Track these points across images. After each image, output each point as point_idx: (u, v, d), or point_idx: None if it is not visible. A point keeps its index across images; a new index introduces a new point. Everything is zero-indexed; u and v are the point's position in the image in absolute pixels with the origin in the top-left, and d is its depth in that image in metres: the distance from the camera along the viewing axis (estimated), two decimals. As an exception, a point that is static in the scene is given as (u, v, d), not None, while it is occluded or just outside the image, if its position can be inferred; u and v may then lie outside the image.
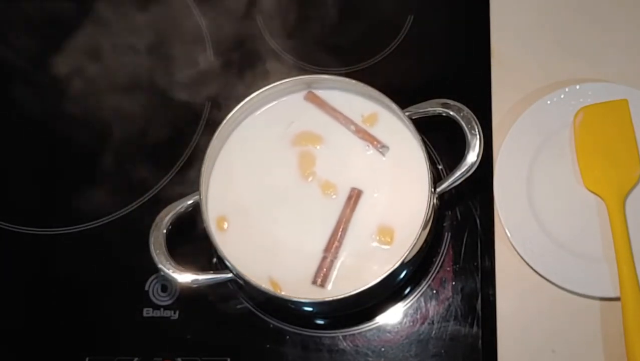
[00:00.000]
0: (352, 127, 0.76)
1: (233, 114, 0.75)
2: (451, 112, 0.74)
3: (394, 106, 0.74)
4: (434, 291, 0.77)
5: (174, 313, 0.78)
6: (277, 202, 0.75)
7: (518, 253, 0.77)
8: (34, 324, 0.79)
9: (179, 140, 0.84)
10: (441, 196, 0.75)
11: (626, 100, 0.79)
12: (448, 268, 0.78)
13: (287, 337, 0.77)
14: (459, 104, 0.74)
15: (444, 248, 0.79)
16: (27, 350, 0.79)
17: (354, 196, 0.74)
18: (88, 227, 0.82)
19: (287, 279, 0.72)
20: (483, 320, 0.76)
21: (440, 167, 0.81)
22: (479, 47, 0.86)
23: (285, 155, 0.76)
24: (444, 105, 0.75)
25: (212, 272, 0.74)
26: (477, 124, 0.73)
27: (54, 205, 0.84)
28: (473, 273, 0.78)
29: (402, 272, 0.74)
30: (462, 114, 0.74)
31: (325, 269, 0.72)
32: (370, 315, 0.77)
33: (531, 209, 0.78)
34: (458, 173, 0.73)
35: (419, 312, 0.77)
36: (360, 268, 0.72)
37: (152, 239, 0.72)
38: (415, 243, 0.70)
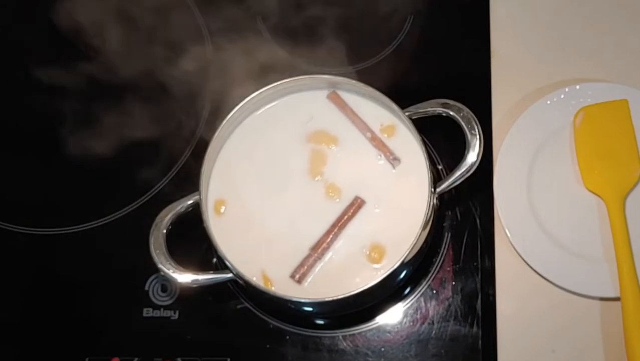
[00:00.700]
0: (369, 134, 0.76)
1: (233, 114, 0.75)
2: (451, 112, 0.74)
3: (394, 106, 0.74)
4: (434, 291, 0.77)
5: (174, 313, 0.78)
6: (278, 193, 0.75)
7: (518, 253, 0.77)
8: (33, 324, 0.79)
9: (179, 140, 0.84)
10: (441, 196, 0.75)
11: (626, 100, 0.79)
12: (448, 268, 0.78)
13: (287, 337, 0.77)
14: (459, 104, 0.74)
15: (444, 248, 0.79)
16: (27, 349, 0.79)
17: (356, 205, 0.74)
18: (88, 227, 0.82)
19: (278, 275, 0.72)
20: (483, 320, 0.76)
21: (440, 167, 0.81)
22: (479, 47, 0.86)
23: (299, 149, 0.76)
24: (444, 105, 0.74)
25: (212, 272, 0.73)
26: (477, 124, 0.73)
27: (54, 205, 0.84)
28: (473, 273, 0.78)
29: (402, 272, 0.74)
30: (462, 114, 0.74)
31: (306, 267, 0.72)
32: (370, 315, 0.77)
33: (531, 209, 0.78)
34: (458, 173, 0.73)
35: (419, 312, 0.77)
36: (342, 276, 0.72)
37: (152, 239, 0.72)
38: (415, 243, 0.70)
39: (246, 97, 0.76)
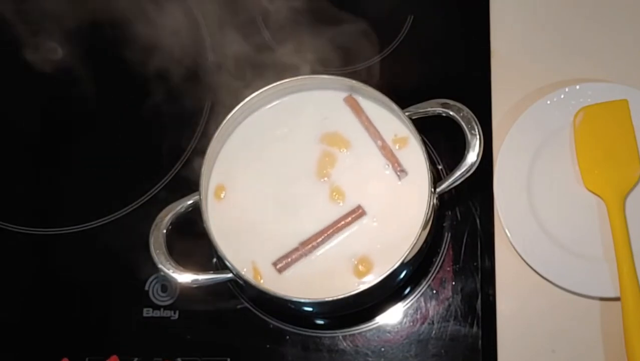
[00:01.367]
0: (379, 142, 0.75)
1: (233, 113, 0.75)
2: (451, 112, 0.74)
3: (394, 106, 0.74)
4: (434, 291, 0.77)
5: (174, 313, 0.78)
6: (281, 188, 0.75)
7: (518, 253, 0.77)
8: (33, 324, 0.79)
9: (179, 140, 0.84)
10: (441, 196, 0.75)
11: (626, 100, 0.79)
12: (448, 268, 0.78)
13: (287, 337, 0.77)
14: (459, 104, 0.74)
15: (444, 248, 0.79)
16: (27, 349, 0.79)
17: (356, 214, 0.73)
18: (88, 227, 0.82)
19: (268, 268, 0.72)
20: (483, 320, 0.76)
21: (440, 167, 0.81)
22: (479, 47, 0.86)
23: (309, 148, 0.76)
24: (444, 105, 0.74)
25: (212, 272, 0.73)
26: (477, 124, 0.73)
27: (54, 205, 0.84)
28: (473, 273, 0.78)
29: (402, 272, 0.74)
30: (462, 114, 0.74)
31: (290, 259, 0.72)
32: (370, 315, 0.77)
33: (531, 209, 0.78)
34: (458, 173, 0.73)
35: (419, 312, 0.77)
36: (322, 278, 0.72)
37: (152, 239, 0.72)
38: (415, 243, 0.70)
39: (246, 97, 0.76)
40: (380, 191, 0.74)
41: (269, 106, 0.78)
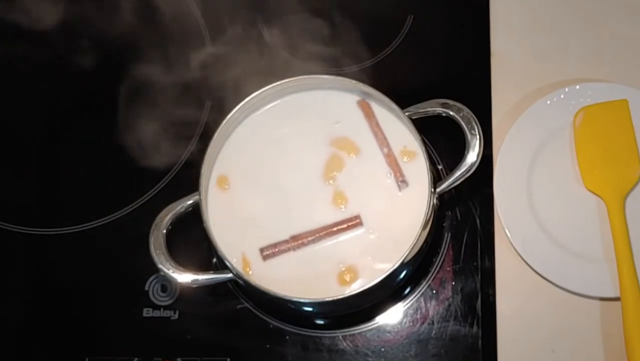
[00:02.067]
0: (386, 150, 0.75)
1: (233, 113, 0.75)
2: (451, 112, 0.74)
3: (394, 106, 0.74)
4: (434, 291, 0.77)
5: (174, 313, 0.78)
6: (285, 184, 0.75)
7: (518, 253, 0.77)
8: (33, 324, 0.79)
9: (179, 140, 0.84)
10: (441, 196, 0.75)
11: (626, 100, 0.79)
12: (448, 268, 0.78)
13: (287, 337, 0.77)
14: (459, 104, 0.74)
15: (444, 248, 0.79)
16: (27, 349, 0.79)
17: (353, 223, 0.73)
18: (88, 227, 0.82)
19: (257, 259, 0.73)
20: (483, 320, 0.76)
21: (440, 167, 0.81)
22: (479, 47, 0.86)
23: (319, 149, 0.76)
24: (444, 105, 0.74)
25: (212, 272, 0.74)
26: (477, 124, 0.73)
27: (54, 205, 0.84)
28: (473, 273, 0.78)
29: (402, 272, 0.74)
30: (462, 114, 0.74)
31: (277, 249, 0.73)
32: (370, 315, 0.77)
33: (531, 209, 0.78)
34: (458, 173, 0.73)
35: (419, 312, 0.77)
36: (305, 276, 0.72)
37: (152, 239, 0.72)
38: (415, 243, 0.70)
39: (246, 96, 0.76)
40: (380, 200, 0.74)
41: (272, 104, 0.78)
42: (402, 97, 0.75)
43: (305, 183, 0.75)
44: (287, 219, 0.74)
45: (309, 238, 0.73)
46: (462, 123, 0.73)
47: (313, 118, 0.77)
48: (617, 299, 0.74)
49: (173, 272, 0.72)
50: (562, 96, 0.81)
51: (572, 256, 0.76)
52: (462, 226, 0.79)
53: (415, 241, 0.70)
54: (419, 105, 0.75)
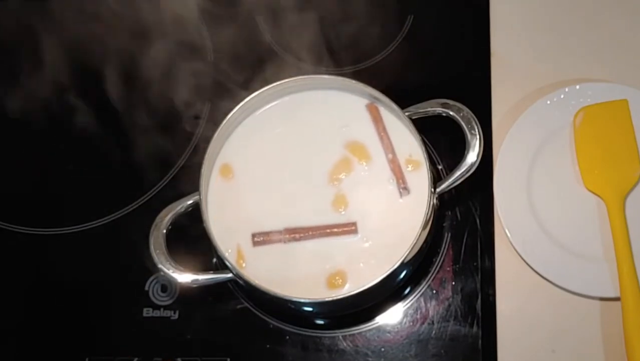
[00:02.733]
0: (390, 155, 0.75)
1: (233, 113, 0.75)
2: (451, 112, 0.74)
3: (394, 106, 0.74)
4: (434, 291, 0.77)
5: (174, 313, 0.78)
6: (289, 180, 0.75)
7: (518, 253, 0.77)
8: (33, 324, 0.79)
9: (179, 140, 0.84)
10: (441, 196, 0.75)
11: (626, 100, 0.79)
12: (448, 268, 0.78)
13: (287, 337, 0.77)
14: (459, 104, 0.74)
15: (444, 248, 0.79)
16: (27, 350, 0.79)
17: (347, 229, 0.73)
18: (88, 227, 0.82)
19: (252, 252, 0.73)
20: (483, 320, 0.76)
21: (440, 167, 0.81)
22: (479, 47, 0.86)
23: (331, 150, 0.76)
24: (444, 105, 0.75)
25: (212, 272, 0.74)
26: (477, 124, 0.73)
27: (54, 205, 0.84)
28: (473, 273, 0.78)
29: (402, 272, 0.74)
30: (462, 114, 0.74)
31: (270, 237, 0.73)
32: (370, 315, 0.77)
33: (531, 209, 0.78)
34: (458, 173, 0.73)
35: (419, 312, 0.77)
36: (291, 270, 0.72)
37: (152, 239, 0.72)
38: (415, 243, 0.70)
39: (246, 97, 0.76)
40: (380, 207, 0.74)
41: (272, 104, 0.78)
42: (402, 97, 0.75)
43: (310, 180, 0.75)
44: (285, 214, 0.74)
45: (302, 234, 0.73)
46: (462, 123, 0.73)
47: (320, 118, 0.77)
48: (617, 299, 0.74)
49: (173, 272, 0.72)
50: (562, 96, 0.81)
51: (572, 256, 0.76)
52: (462, 226, 0.79)
53: (415, 241, 0.70)
54: (419, 105, 0.75)
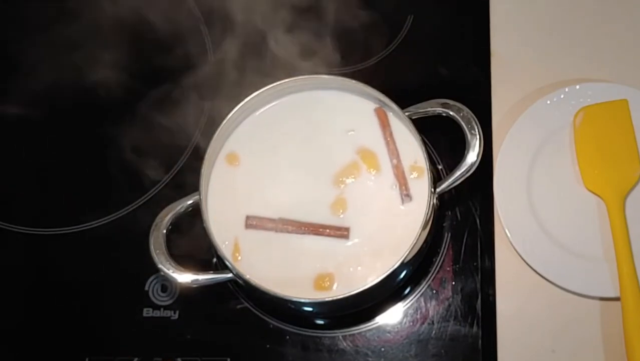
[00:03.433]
0: (395, 161, 0.75)
1: (233, 113, 0.75)
2: (451, 112, 0.74)
3: (394, 106, 0.74)
4: (434, 291, 0.77)
5: (174, 313, 0.78)
6: (293, 172, 0.75)
7: (518, 253, 0.77)
8: (33, 324, 0.79)
9: (179, 140, 0.84)
10: (441, 196, 0.75)
11: (626, 100, 0.79)
12: (448, 268, 0.78)
13: (287, 337, 0.77)
14: (459, 104, 0.74)
15: (444, 248, 0.79)
16: (27, 350, 0.79)
17: (338, 232, 0.73)
18: (88, 227, 0.82)
19: (248, 247, 0.73)
20: (483, 320, 0.76)
21: (440, 167, 0.81)
22: (479, 47, 0.86)
23: (343, 153, 0.75)
24: (444, 105, 0.75)
25: (212, 272, 0.74)
26: (477, 124, 0.73)
27: (54, 205, 0.84)
28: (473, 273, 0.78)
29: (402, 272, 0.74)
30: (462, 114, 0.74)
31: (263, 223, 0.73)
32: (370, 315, 0.77)
33: (531, 209, 0.78)
34: (458, 173, 0.73)
35: (419, 312, 0.77)
36: (280, 261, 0.73)
37: (152, 239, 0.72)
38: (415, 243, 0.70)
39: (246, 97, 0.76)
40: (379, 214, 0.73)
41: (272, 104, 0.78)
42: (402, 97, 0.75)
43: (314, 179, 0.75)
44: (283, 207, 0.74)
45: (294, 228, 0.73)
46: (462, 123, 0.73)
47: (326, 118, 0.77)
48: (617, 299, 0.74)
49: (173, 272, 0.72)
50: (562, 96, 0.81)
51: (572, 256, 0.76)
52: (462, 226, 0.79)
53: (415, 241, 0.70)
54: (419, 105, 0.75)
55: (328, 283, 0.71)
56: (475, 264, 0.78)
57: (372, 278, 0.69)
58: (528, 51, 0.86)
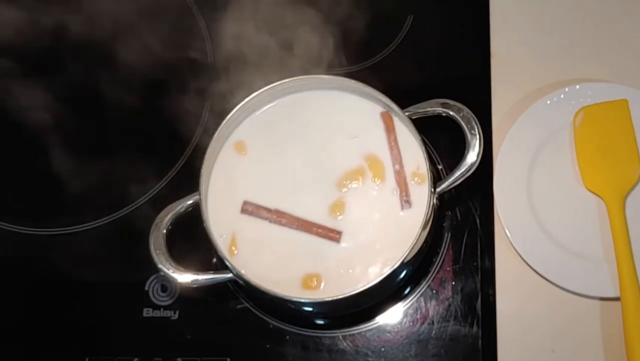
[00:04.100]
0: (397, 166, 0.74)
1: (233, 113, 0.76)
2: (451, 112, 0.74)
3: (393, 105, 0.74)
4: (434, 291, 0.77)
5: (174, 313, 0.78)
6: (298, 168, 0.75)
7: (518, 253, 0.77)
8: (34, 324, 0.79)
9: (179, 140, 0.84)
10: (441, 196, 0.75)
11: (626, 100, 0.79)
12: (448, 268, 0.78)
13: (287, 337, 0.77)
14: (459, 104, 0.74)
15: (444, 248, 0.79)
16: (27, 350, 0.79)
17: (330, 233, 0.73)
18: (88, 227, 0.82)
19: (244, 242, 0.73)
20: (483, 320, 0.76)
21: (440, 167, 0.81)
22: (479, 47, 0.86)
23: (351, 156, 0.75)
24: (444, 105, 0.75)
25: (212, 272, 0.74)
26: (477, 124, 0.73)
27: (54, 205, 0.84)
28: (473, 273, 0.78)
29: (402, 272, 0.74)
30: (462, 114, 0.74)
31: (258, 211, 0.73)
32: (370, 315, 0.77)
33: (531, 209, 0.78)
34: (458, 173, 0.73)
35: (419, 312, 0.77)
36: (271, 256, 0.73)
37: (152, 239, 0.72)
38: (415, 243, 0.70)
39: (246, 97, 0.76)
40: (377, 221, 0.73)
41: (272, 104, 0.78)
42: (402, 97, 0.75)
43: (318, 178, 0.75)
44: (282, 200, 0.74)
45: (288, 221, 0.73)
46: (462, 123, 0.73)
47: (331, 119, 0.77)
48: (617, 299, 0.74)
49: (173, 272, 0.72)
50: (562, 96, 0.81)
51: (572, 256, 0.76)
52: (462, 226, 0.79)
53: (415, 241, 0.70)
54: (419, 105, 0.75)
55: (316, 282, 0.71)
56: (475, 264, 0.78)
57: (362, 283, 0.69)
58: (528, 51, 0.86)
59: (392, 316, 0.77)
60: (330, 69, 0.84)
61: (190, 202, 0.74)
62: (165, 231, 0.73)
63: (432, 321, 0.76)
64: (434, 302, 0.77)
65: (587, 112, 0.80)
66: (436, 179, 0.74)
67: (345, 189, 0.75)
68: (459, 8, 0.89)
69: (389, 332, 0.76)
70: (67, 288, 0.80)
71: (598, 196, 0.78)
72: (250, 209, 0.74)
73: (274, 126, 0.77)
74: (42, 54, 0.90)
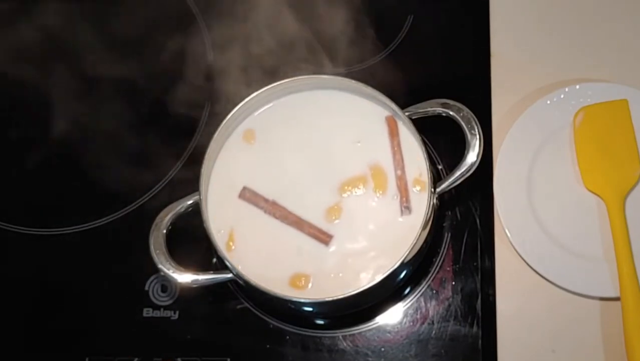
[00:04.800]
0: (399, 172, 0.74)
1: (233, 113, 0.76)
2: (451, 112, 0.74)
3: (393, 106, 0.74)
4: (434, 291, 0.78)
5: (174, 313, 0.78)
6: (301, 166, 0.76)
7: (518, 253, 0.77)
8: (33, 324, 0.79)
9: (179, 140, 0.84)
10: (441, 196, 0.75)
11: (626, 100, 0.79)
12: (448, 268, 0.78)
13: (287, 337, 0.77)
14: (459, 104, 0.74)
15: (444, 248, 0.79)
16: (27, 349, 0.79)
17: (322, 235, 0.73)
18: (88, 227, 0.82)
19: (243, 239, 0.73)
20: (483, 320, 0.76)
21: (440, 167, 0.81)
22: (479, 47, 0.86)
23: (356, 162, 0.75)
24: (444, 105, 0.75)
25: (212, 272, 0.74)
26: (477, 124, 0.73)
27: (54, 205, 0.84)
28: (473, 273, 0.78)
29: (402, 272, 0.74)
30: (462, 114, 0.74)
31: (256, 199, 0.74)
32: (370, 315, 0.77)
33: (531, 209, 0.78)
34: (458, 173, 0.73)
35: (419, 312, 0.77)
36: (263, 251, 0.73)
37: (152, 239, 0.72)
38: (415, 243, 0.70)
39: (246, 97, 0.76)
40: (373, 230, 0.73)
41: (271, 104, 0.78)
42: (402, 97, 0.75)
43: (320, 179, 0.75)
44: (281, 194, 0.74)
45: (282, 214, 0.73)
46: (462, 123, 0.73)
47: (329, 119, 0.77)
48: (617, 299, 0.74)
49: (173, 272, 0.72)
50: (562, 96, 0.81)
51: (572, 256, 0.76)
52: (462, 226, 0.79)
53: (415, 241, 0.70)
54: (419, 105, 0.75)
55: (303, 282, 0.71)
56: (475, 264, 0.78)
57: (352, 288, 0.69)
58: (528, 51, 0.86)
59: (392, 316, 0.77)
60: (330, 69, 0.84)
61: (190, 202, 0.74)
62: (165, 231, 0.73)
63: (432, 321, 0.76)
64: (434, 302, 0.77)
65: (587, 112, 0.80)
66: (436, 179, 0.74)
67: (345, 195, 0.74)
68: (458, 8, 0.89)
69: (389, 332, 0.76)
70: (67, 288, 0.80)
71: (598, 196, 0.78)
72: (248, 195, 0.74)
73: (276, 126, 0.77)
74: (42, 55, 0.90)
